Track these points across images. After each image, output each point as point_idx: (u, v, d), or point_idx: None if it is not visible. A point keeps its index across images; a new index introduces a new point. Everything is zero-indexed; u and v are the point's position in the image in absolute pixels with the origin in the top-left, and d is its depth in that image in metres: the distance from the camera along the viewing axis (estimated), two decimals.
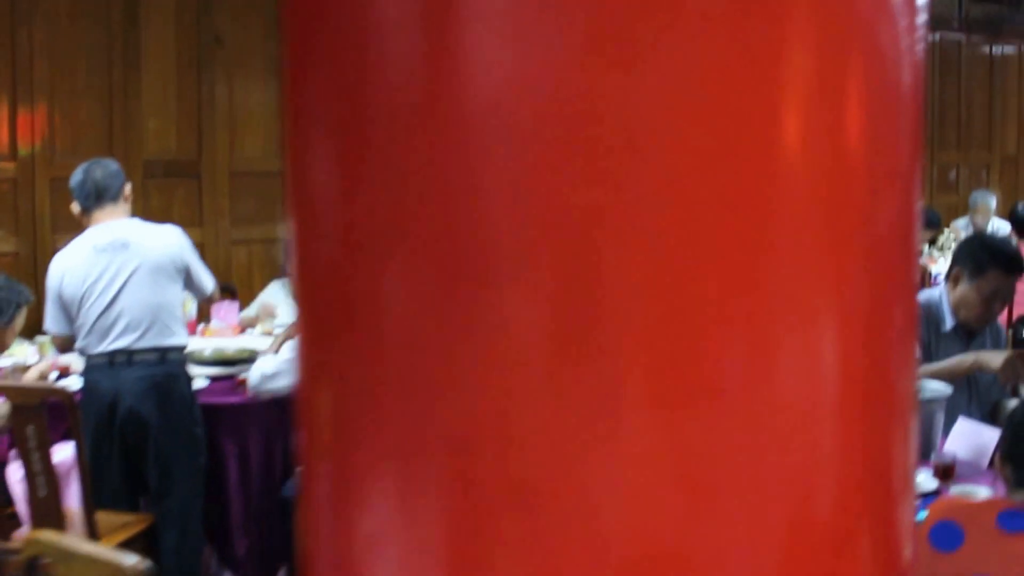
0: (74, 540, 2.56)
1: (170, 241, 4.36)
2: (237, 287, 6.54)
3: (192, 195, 7.11)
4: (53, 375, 4.65)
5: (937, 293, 3.90)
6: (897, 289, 1.27)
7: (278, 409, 4.45)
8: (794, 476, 1.18)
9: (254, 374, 4.34)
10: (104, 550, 2.39)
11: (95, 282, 4.19)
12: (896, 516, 1.27)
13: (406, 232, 1.25)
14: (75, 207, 4.38)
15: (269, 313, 5.81)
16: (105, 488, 4.18)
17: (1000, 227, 9.53)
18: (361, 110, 1.35)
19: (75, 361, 4.71)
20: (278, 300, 5.93)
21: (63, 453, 4.16)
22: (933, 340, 3.81)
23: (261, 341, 5.36)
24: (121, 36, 6.76)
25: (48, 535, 2.45)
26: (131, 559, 2.21)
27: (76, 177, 4.36)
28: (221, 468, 4.45)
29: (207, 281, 4.55)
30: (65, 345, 4.43)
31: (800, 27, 1.16)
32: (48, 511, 3.93)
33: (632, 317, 1.13)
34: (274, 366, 4.29)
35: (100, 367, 4.23)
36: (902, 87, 1.26)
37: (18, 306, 4.56)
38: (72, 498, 4.13)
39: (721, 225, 1.12)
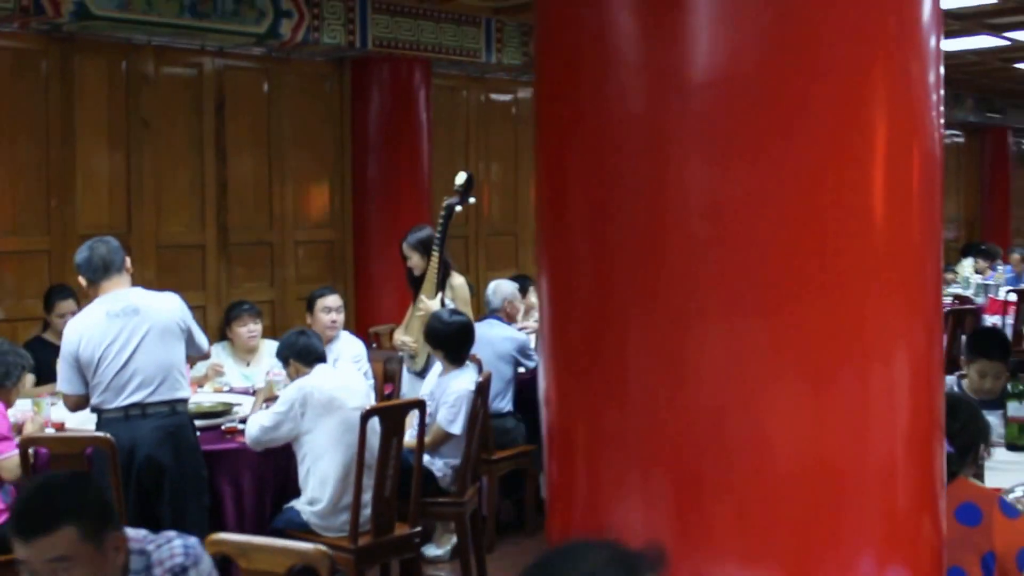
0: (247, 537, 3.20)
1: (174, 306, 4.98)
2: None
3: None
4: (48, 431, 5.15)
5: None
6: (937, 318, 2.19)
7: (265, 454, 5.11)
8: (896, 424, 2.08)
9: (252, 429, 4.99)
10: (281, 542, 3.06)
11: (110, 344, 4.76)
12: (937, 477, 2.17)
13: (646, 290, 2.09)
14: (82, 280, 4.96)
15: (217, 372, 6.42)
16: None
17: None
18: (608, 191, 2.17)
19: (69, 418, 5.26)
20: (223, 360, 6.56)
21: None
22: None
23: (218, 396, 6.02)
24: (58, 118, 7.29)
25: (226, 536, 3.09)
26: (310, 545, 2.90)
27: (82, 254, 4.95)
28: (219, 506, 5.05)
29: (204, 341, 5.19)
30: (79, 404, 4.93)
31: (882, 133, 2.06)
32: None
33: (810, 338, 2.02)
34: (271, 420, 4.95)
35: (116, 420, 4.77)
36: (937, 172, 2.17)
37: (22, 368, 5.12)
38: None
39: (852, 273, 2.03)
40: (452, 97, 9.51)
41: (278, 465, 5.21)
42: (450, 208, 6.49)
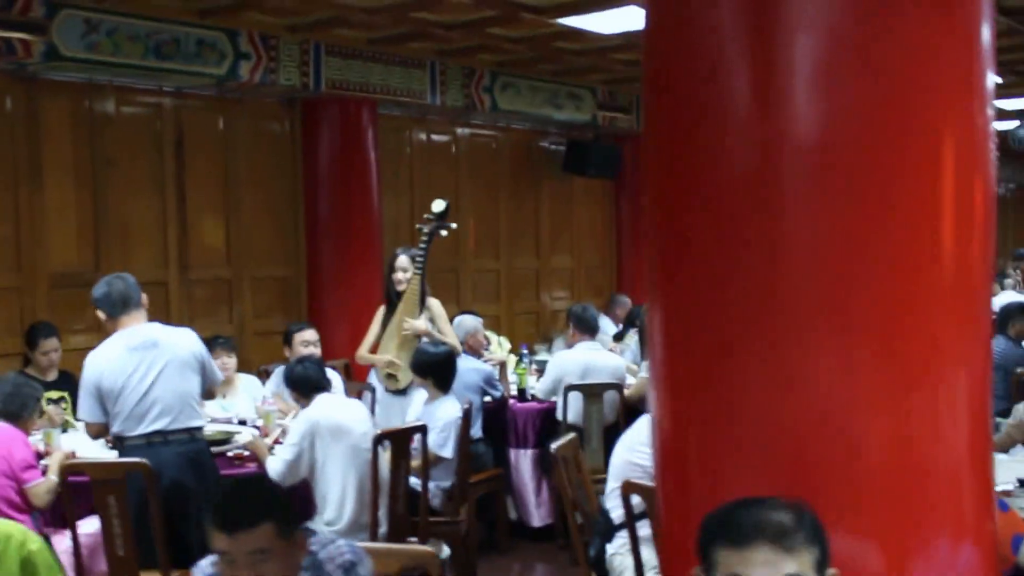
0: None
1: (190, 340, 5.22)
2: None
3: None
4: None
5: None
6: (988, 341, 2.63)
7: None
8: (962, 428, 2.51)
9: (276, 465, 5.27)
10: (390, 545, 3.32)
11: (131, 375, 4.99)
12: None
13: (760, 316, 2.48)
14: (100, 315, 5.18)
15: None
16: (148, 552, 4.90)
17: None
18: (723, 234, 2.55)
19: (77, 447, 5.46)
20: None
21: (90, 527, 4.93)
22: None
23: (214, 426, 6.23)
24: (24, 157, 7.44)
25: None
26: (420, 548, 3.20)
27: (100, 290, 5.18)
28: None
29: (218, 373, 5.44)
30: (100, 432, 5.16)
31: (953, 184, 2.50)
32: (125, 568, 4.71)
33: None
34: (291, 453, 5.23)
35: (139, 447, 4.98)
36: (993, 214, 2.62)
37: (37, 400, 5.33)
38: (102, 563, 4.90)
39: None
40: (397, 137, 9.85)
41: (291, 488, 5.47)
42: (433, 232, 6.82)
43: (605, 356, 7.56)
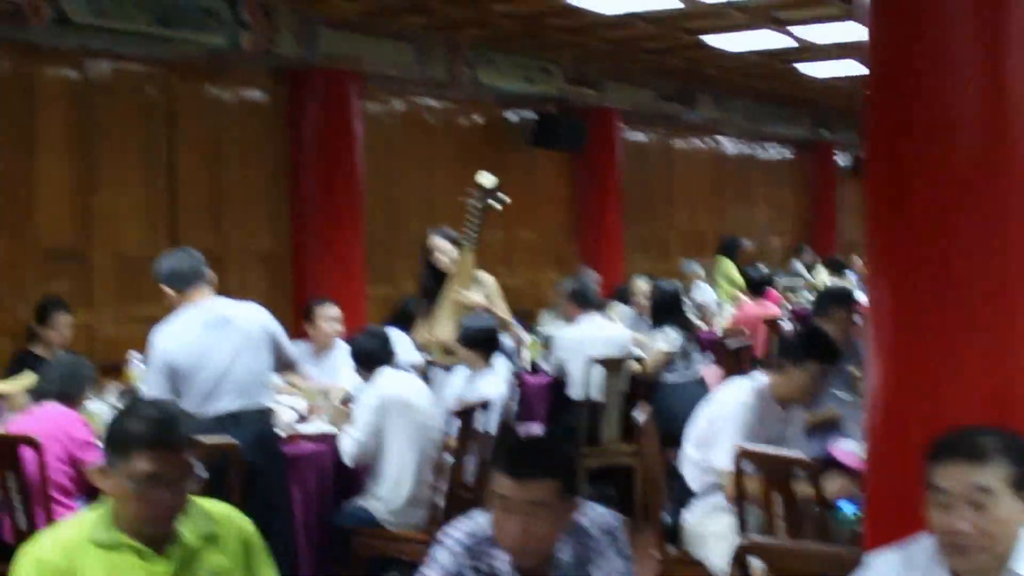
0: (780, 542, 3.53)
1: (262, 316, 5.16)
2: None
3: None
4: None
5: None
6: None
7: (327, 458, 5.39)
8: None
9: (348, 446, 5.29)
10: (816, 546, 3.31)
11: (209, 354, 4.88)
12: None
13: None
14: (168, 290, 5.06)
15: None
16: None
17: (706, 289, 11.62)
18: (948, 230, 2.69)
19: None
20: None
21: None
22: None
23: None
24: (14, 126, 7.27)
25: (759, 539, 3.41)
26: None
27: (168, 263, 5.05)
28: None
29: (293, 349, 5.36)
30: None
31: None
32: None
33: None
34: (364, 433, 5.24)
35: (208, 428, 4.83)
36: None
37: (92, 380, 5.23)
38: None
39: None
40: (376, 109, 9.81)
41: (340, 467, 5.48)
42: (486, 207, 6.79)
43: (611, 329, 7.69)
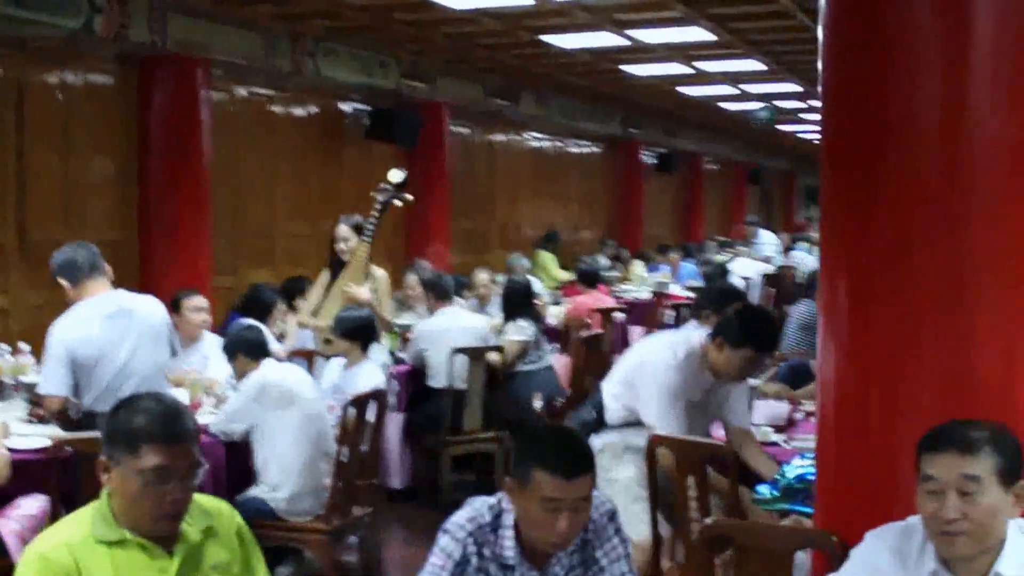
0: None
1: (160, 309, 5.07)
2: None
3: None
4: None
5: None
6: None
7: (219, 450, 5.31)
8: None
9: (217, 422, 5.21)
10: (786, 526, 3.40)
11: (108, 346, 4.78)
12: None
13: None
14: (63, 282, 4.90)
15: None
16: None
17: (535, 282, 11.81)
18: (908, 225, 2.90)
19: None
20: None
21: (30, 507, 4.66)
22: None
23: None
24: None
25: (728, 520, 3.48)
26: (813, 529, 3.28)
27: (62, 256, 4.91)
28: None
29: (177, 342, 5.28)
30: (60, 408, 4.82)
31: None
32: None
33: None
34: (232, 410, 5.22)
35: None
36: None
37: None
38: None
39: None
40: (228, 100, 9.62)
41: (231, 460, 5.39)
42: (388, 201, 6.77)
43: (471, 319, 7.79)
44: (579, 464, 2.73)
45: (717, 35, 10.09)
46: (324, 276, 6.94)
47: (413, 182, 11.94)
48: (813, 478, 3.76)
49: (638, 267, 13.90)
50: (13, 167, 7.76)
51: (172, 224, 8.56)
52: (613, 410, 4.71)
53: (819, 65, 3.25)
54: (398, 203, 6.91)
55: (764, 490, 4.07)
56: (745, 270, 13.88)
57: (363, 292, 6.63)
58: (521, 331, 7.67)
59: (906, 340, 3.00)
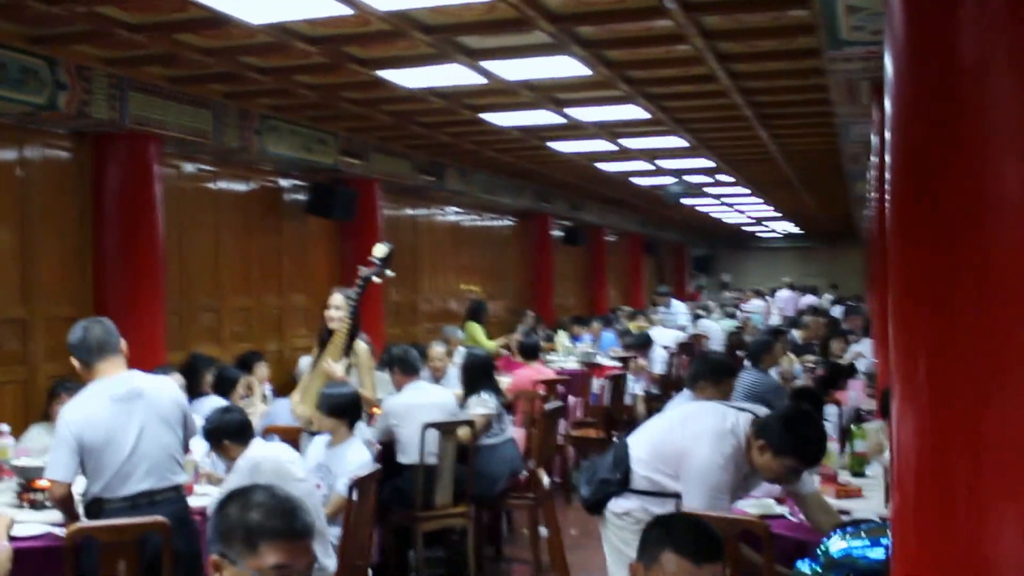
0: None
1: (174, 390, 4.89)
2: None
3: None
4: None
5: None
6: None
7: None
8: None
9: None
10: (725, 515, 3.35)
11: (117, 429, 4.58)
12: None
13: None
14: (75, 362, 4.72)
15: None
16: None
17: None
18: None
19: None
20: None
21: None
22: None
23: None
24: None
25: None
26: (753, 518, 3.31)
27: (75, 335, 4.73)
28: None
29: (195, 425, 5.07)
30: (67, 495, 4.59)
31: None
32: None
33: None
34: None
35: (122, 510, 4.54)
36: None
37: None
38: None
39: None
40: (175, 175, 9.43)
41: None
42: (367, 278, 6.63)
43: (438, 393, 7.69)
44: (710, 551, 2.74)
45: (650, 113, 10.28)
46: (314, 352, 6.79)
47: (346, 256, 11.96)
48: (860, 555, 3.78)
49: (563, 337, 13.98)
50: None
51: (127, 300, 8.32)
52: (639, 476, 4.65)
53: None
54: (377, 279, 6.79)
55: (804, 567, 4.05)
56: (662, 338, 14.05)
57: (337, 370, 6.49)
58: (485, 404, 7.61)
59: (987, 409, 3.01)
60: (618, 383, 10.96)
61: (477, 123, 10.64)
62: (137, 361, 8.02)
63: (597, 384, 11.51)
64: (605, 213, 20.71)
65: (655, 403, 11.09)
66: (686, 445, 4.52)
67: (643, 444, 4.72)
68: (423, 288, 14.49)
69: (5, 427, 5.91)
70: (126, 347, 4.84)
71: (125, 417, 4.61)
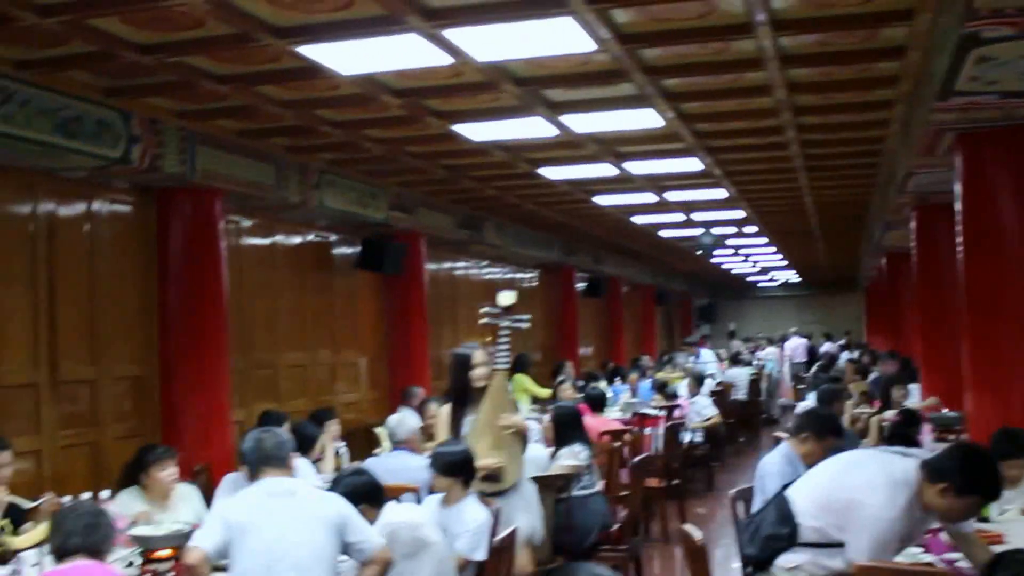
0: None
1: (337, 502, 4.35)
2: None
3: None
4: None
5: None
6: None
7: None
8: None
9: None
10: None
11: (260, 516, 4.12)
12: None
13: None
14: (243, 467, 4.51)
15: None
16: None
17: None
18: None
19: None
20: (140, 507, 5.76)
21: None
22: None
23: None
24: None
25: None
26: None
27: (248, 443, 4.44)
28: None
29: (369, 532, 4.42)
30: (201, 562, 4.07)
31: None
32: None
33: None
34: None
35: None
36: None
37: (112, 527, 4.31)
38: None
39: None
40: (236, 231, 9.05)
41: None
42: (510, 327, 6.27)
43: (530, 448, 7.24)
44: None
45: (704, 165, 9.96)
46: (445, 411, 6.35)
47: (391, 311, 11.56)
48: None
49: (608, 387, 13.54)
50: (46, 304, 7.03)
51: (193, 359, 7.89)
52: (807, 528, 4.35)
53: None
54: (520, 327, 6.41)
55: None
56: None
57: (520, 419, 6.15)
58: (576, 456, 7.23)
59: None
60: (674, 432, 10.61)
61: (529, 176, 10.29)
62: (204, 420, 7.70)
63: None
64: (622, 265, 20.40)
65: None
66: (854, 496, 4.21)
67: (806, 496, 4.43)
68: (461, 340, 14.06)
69: (105, 494, 5.43)
70: (293, 462, 4.58)
71: (269, 507, 4.21)
